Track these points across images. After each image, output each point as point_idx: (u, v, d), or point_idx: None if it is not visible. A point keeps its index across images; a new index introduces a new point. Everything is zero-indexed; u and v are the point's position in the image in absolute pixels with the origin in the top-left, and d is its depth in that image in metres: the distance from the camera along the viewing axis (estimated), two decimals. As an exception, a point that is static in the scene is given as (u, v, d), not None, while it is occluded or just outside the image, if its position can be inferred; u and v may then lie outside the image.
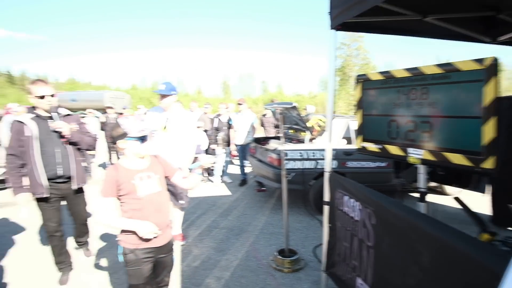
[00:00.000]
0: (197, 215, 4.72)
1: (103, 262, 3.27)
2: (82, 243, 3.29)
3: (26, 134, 2.56)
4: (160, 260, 1.96)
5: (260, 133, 8.23)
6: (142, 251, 1.85)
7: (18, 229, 4.20)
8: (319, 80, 50.02)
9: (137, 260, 1.85)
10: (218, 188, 6.39)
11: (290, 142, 5.21)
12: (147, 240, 1.82)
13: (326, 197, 2.45)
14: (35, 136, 2.57)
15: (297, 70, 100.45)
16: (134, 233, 1.81)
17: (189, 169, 2.05)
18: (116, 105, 12.55)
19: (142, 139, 1.84)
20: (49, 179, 2.64)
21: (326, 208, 2.47)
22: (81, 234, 3.18)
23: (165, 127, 3.70)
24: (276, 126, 8.02)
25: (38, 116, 2.64)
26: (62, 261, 2.92)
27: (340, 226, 2.24)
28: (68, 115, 2.83)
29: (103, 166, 8.30)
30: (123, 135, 1.80)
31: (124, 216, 1.84)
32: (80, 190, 2.92)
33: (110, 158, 7.83)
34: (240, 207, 5.16)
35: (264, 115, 9.09)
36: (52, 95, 2.63)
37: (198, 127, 6.43)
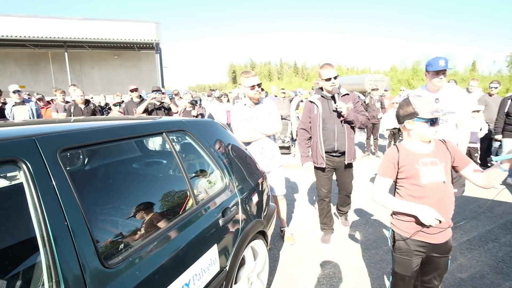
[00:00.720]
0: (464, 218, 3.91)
1: (357, 235, 3.50)
2: (343, 212, 3.66)
3: (314, 112, 3.09)
4: (432, 259, 1.75)
5: None
6: (415, 243, 1.72)
7: (295, 188, 5.39)
8: None
9: (408, 251, 1.74)
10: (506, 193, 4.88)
11: None
12: (426, 227, 1.65)
13: None
14: (320, 114, 3.05)
15: None
16: (411, 221, 1.70)
17: (492, 161, 1.60)
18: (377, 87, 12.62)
19: (433, 121, 1.65)
20: (326, 152, 3.09)
21: None
22: (344, 204, 3.53)
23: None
24: None
25: (323, 96, 3.10)
26: (327, 223, 3.40)
27: None
28: (346, 94, 3.10)
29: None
30: (412, 115, 1.69)
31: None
32: (349, 165, 3.20)
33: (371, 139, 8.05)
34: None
35: None
36: (335, 77, 2.98)
37: (476, 111, 5.18)
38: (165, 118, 2.01)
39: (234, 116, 3.09)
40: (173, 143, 1.63)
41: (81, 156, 1.30)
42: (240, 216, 1.92)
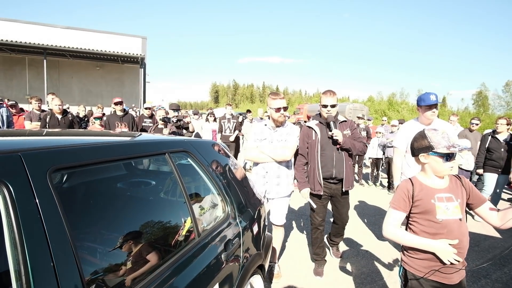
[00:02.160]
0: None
1: (349, 267, 3.35)
2: (334, 243, 3.50)
3: (313, 138, 3.01)
4: None
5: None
6: (429, 283, 1.60)
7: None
8: None
9: None
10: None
11: None
12: (442, 265, 1.55)
13: None
14: (319, 140, 2.97)
15: None
16: (425, 258, 1.59)
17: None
18: (354, 116, 13.08)
19: (449, 156, 1.59)
20: (323, 179, 2.98)
21: None
22: (337, 234, 3.37)
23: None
24: None
25: (321, 122, 3.05)
26: (319, 254, 3.23)
27: None
28: (344, 121, 3.07)
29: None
30: (427, 148, 1.62)
31: None
32: (346, 193, 3.10)
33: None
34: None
35: None
36: (332, 106, 2.94)
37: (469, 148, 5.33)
38: (168, 137, 1.83)
39: (251, 134, 3.02)
40: (176, 166, 1.44)
41: (75, 178, 1.09)
42: (242, 249, 1.72)
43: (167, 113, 7.25)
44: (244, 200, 2.03)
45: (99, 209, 1.13)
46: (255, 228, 2.01)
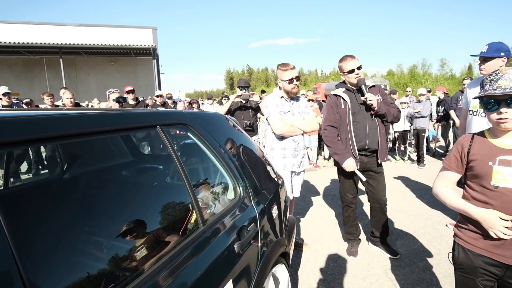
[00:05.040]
0: None
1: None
2: (379, 239, 2.96)
3: (342, 106, 2.68)
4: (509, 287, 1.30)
5: None
6: (482, 259, 1.30)
7: (315, 193, 4.93)
8: None
9: (471, 268, 1.34)
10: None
11: None
12: (496, 240, 1.24)
13: None
14: (349, 108, 2.64)
15: None
16: (477, 231, 1.30)
17: None
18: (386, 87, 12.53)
19: (490, 103, 1.22)
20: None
21: None
22: (379, 226, 2.90)
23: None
24: None
25: (348, 89, 2.71)
26: (352, 232, 2.96)
27: None
28: (373, 86, 2.72)
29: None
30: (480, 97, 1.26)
31: None
32: (380, 168, 2.77)
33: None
34: None
35: None
36: (358, 68, 2.58)
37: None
38: (161, 109, 1.57)
39: (273, 107, 2.73)
40: (171, 141, 1.18)
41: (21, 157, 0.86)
42: (260, 236, 1.46)
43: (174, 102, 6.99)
44: (261, 179, 1.76)
45: (61, 198, 0.89)
46: (275, 211, 1.74)
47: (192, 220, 1.11)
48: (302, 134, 2.86)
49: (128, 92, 5.81)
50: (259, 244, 1.45)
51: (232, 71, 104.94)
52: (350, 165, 2.60)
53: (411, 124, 7.30)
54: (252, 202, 1.53)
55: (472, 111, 2.71)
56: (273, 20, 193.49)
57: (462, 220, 1.40)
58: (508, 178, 1.22)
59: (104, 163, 1.22)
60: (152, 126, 1.18)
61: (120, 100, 4.77)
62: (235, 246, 1.22)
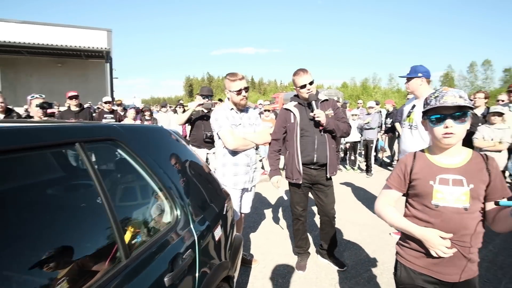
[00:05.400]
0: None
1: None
2: (327, 252, 2.97)
3: (291, 121, 2.69)
4: None
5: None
6: (421, 277, 1.34)
7: (268, 205, 4.89)
8: None
9: (411, 286, 1.37)
10: None
11: None
12: (434, 259, 1.28)
13: None
14: (298, 123, 2.65)
15: None
16: (418, 249, 1.33)
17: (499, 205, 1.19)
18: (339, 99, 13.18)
19: (436, 119, 1.26)
20: (303, 164, 2.67)
21: None
22: (327, 238, 2.91)
23: (409, 117, 3.14)
24: None
25: (300, 103, 2.72)
26: (302, 246, 2.96)
27: None
28: (325, 100, 2.76)
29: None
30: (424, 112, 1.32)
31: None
32: (330, 182, 2.79)
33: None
34: None
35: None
36: (310, 83, 2.62)
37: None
38: (82, 122, 1.41)
39: (223, 119, 2.57)
40: (92, 161, 1.04)
41: None
42: (198, 263, 1.36)
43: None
44: (205, 197, 1.67)
45: None
46: (218, 232, 1.64)
47: (112, 254, 0.98)
48: (256, 148, 2.81)
49: (71, 98, 5.36)
50: (197, 272, 1.34)
51: (191, 78, 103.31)
52: (274, 182, 2.77)
53: (362, 135, 7.71)
54: (191, 225, 1.42)
55: (404, 123, 3.13)
56: (235, 29, 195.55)
57: (404, 238, 1.42)
58: (446, 197, 1.26)
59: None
60: (69, 144, 1.03)
61: (45, 106, 4.06)
62: (165, 279, 1.10)
